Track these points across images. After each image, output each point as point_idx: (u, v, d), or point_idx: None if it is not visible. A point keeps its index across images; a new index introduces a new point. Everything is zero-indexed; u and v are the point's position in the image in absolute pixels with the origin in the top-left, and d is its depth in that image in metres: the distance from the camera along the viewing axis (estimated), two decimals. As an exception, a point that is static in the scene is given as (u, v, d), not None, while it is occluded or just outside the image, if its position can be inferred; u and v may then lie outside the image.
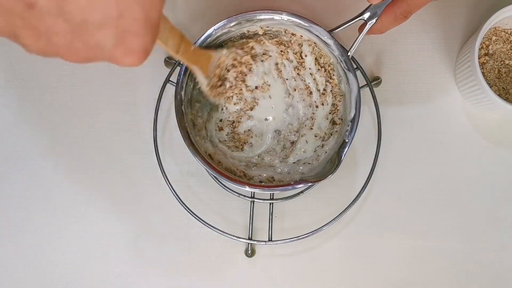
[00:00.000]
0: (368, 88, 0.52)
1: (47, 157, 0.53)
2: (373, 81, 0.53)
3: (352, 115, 0.45)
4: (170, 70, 0.52)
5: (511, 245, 0.53)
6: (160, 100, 0.52)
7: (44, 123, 0.53)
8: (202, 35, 0.45)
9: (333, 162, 0.44)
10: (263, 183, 0.47)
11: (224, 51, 0.46)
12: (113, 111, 0.54)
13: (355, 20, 0.45)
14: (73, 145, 0.53)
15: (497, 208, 0.53)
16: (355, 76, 0.45)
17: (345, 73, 0.46)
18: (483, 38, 0.52)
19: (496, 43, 0.52)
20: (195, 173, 0.53)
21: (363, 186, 0.51)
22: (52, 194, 0.53)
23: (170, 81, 0.52)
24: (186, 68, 0.45)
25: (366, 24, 0.45)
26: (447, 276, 0.52)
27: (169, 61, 0.53)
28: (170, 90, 0.52)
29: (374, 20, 0.44)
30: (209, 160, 0.45)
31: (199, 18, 0.55)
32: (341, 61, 0.46)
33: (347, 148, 0.45)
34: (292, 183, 0.44)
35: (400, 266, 0.52)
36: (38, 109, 0.54)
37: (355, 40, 0.45)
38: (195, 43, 0.45)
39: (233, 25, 0.46)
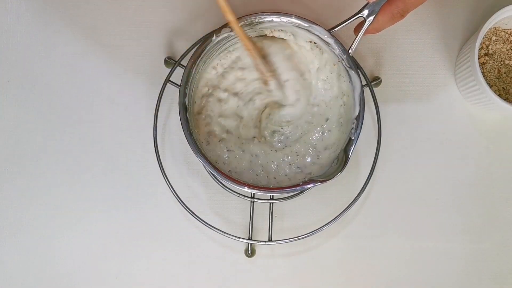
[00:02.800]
0: (368, 88, 0.52)
1: (47, 157, 0.53)
2: (373, 81, 0.53)
3: (356, 112, 0.45)
4: (170, 70, 0.52)
5: (511, 245, 0.53)
6: (160, 100, 0.52)
7: (44, 123, 0.53)
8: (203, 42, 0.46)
9: (340, 161, 0.44)
10: (272, 186, 0.46)
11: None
12: (113, 111, 0.54)
13: (354, 18, 0.45)
14: (73, 145, 0.53)
15: (497, 208, 0.53)
16: (358, 73, 0.45)
17: (347, 71, 0.46)
18: (483, 38, 0.52)
19: (496, 43, 0.52)
20: (195, 173, 0.53)
21: (363, 186, 0.51)
22: (52, 194, 0.53)
23: (170, 81, 0.52)
24: (189, 73, 0.45)
25: (365, 21, 0.45)
26: (447, 276, 0.52)
27: (169, 61, 0.53)
28: (170, 90, 0.52)
29: (372, 17, 0.44)
30: (216, 165, 0.44)
31: (198, 19, 0.55)
32: (343, 60, 0.46)
33: (353, 146, 0.45)
34: (300, 183, 0.44)
35: (400, 266, 0.52)
36: (38, 109, 0.54)
37: (355, 38, 0.45)
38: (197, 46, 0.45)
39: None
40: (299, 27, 0.46)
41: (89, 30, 0.54)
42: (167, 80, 0.52)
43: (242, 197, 0.52)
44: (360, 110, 0.45)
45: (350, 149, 0.44)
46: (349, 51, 0.46)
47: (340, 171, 0.43)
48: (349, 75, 0.46)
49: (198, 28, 0.54)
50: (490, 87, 0.49)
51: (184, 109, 0.45)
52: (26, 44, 0.54)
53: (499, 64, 0.52)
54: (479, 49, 0.51)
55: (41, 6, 0.55)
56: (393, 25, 0.45)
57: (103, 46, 0.54)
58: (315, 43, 0.48)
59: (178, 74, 0.52)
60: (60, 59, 0.54)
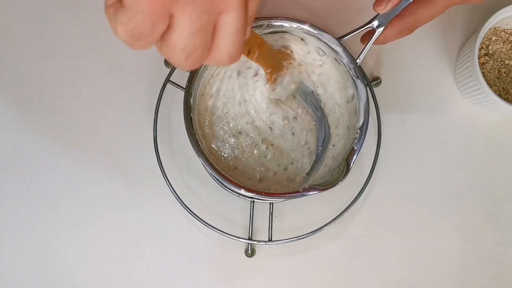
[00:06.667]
0: (368, 88, 0.52)
1: (47, 157, 0.53)
2: (373, 81, 0.53)
3: (361, 122, 0.45)
4: (170, 70, 0.52)
5: (511, 245, 0.53)
6: (160, 100, 0.52)
7: (44, 123, 0.53)
8: None
9: (342, 170, 0.44)
10: (272, 191, 0.46)
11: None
12: (113, 111, 0.54)
13: (364, 28, 0.45)
14: (73, 145, 0.53)
15: (497, 208, 0.53)
16: (364, 83, 0.45)
17: (353, 80, 0.46)
18: (483, 38, 0.52)
19: (496, 43, 0.52)
20: (195, 173, 0.53)
21: (363, 186, 0.51)
22: (52, 194, 0.53)
23: (170, 81, 0.52)
24: (194, 74, 0.45)
25: (375, 32, 0.45)
26: (447, 276, 0.52)
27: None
28: (170, 90, 0.53)
29: (382, 29, 0.44)
30: (217, 167, 0.44)
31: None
32: (350, 69, 0.46)
33: (356, 155, 0.44)
34: (300, 190, 0.44)
35: (400, 266, 0.52)
36: (38, 109, 0.54)
37: (363, 49, 0.45)
38: None
39: None
40: (308, 34, 0.46)
41: (89, 30, 0.54)
42: (167, 80, 0.52)
43: (242, 197, 0.52)
44: (364, 120, 0.45)
45: (352, 159, 0.44)
46: (357, 61, 0.45)
47: (341, 180, 0.43)
48: (355, 84, 0.46)
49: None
50: (490, 87, 0.49)
51: (188, 108, 0.44)
52: (26, 44, 0.54)
53: (499, 64, 0.52)
54: (479, 49, 0.51)
55: (41, 6, 0.55)
56: (400, 39, 0.45)
57: (103, 46, 0.54)
58: (323, 51, 0.47)
59: (178, 74, 0.52)
60: (60, 59, 0.54)
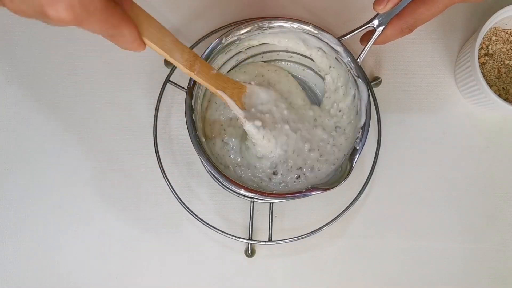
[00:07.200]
0: (368, 88, 0.52)
1: (47, 157, 0.53)
2: (373, 81, 0.53)
3: (362, 122, 0.45)
4: (170, 70, 0.52)
5: (511, 245, 0.53)
6: (160, 100, 0.52)
7: (44, 123, 0.53)
8: (210, 45, 0.45)
9: (344, 169, 0.44)
10: (274, 191, 0.46)
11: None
12: (113, 111, 0.54)
13: (364, 27, 0.45)
14: (73, 145, 0.53)
15: (497, 208, 0.53)
16: (365, 83, 0.45)
17: (354, 80, 0.46)
18: (483, 38, 0.52)
19: (496, 43, 0.52)
20: (195, 173, 0.53)
21: (363, 186, 0.51)
22: (52, 194, 0.53)
23: (170, 81, 0.52)
24: None
25: (375, 31, 0.45)
26: (446, 276, 0.52)
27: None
28: (170, 90, 0.53)
29: (382, 28, 0.44)
30: (221, 169, 0.44)
31: (198, 19, 0.55)
32: (351, 68, 0.46)
33: (358, 155, 0.44)
34: (303, 191, 0.44)
35: (400, 266, 0.52)
36: (38, 109, 0.54)
37: (364, 48, 0.45)
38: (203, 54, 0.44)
39: (243, 33, 0.45)
40: (309, 34, 0.46)
41: (89, 30, 0.54)
42: (167, 80, 0.52)
43: (242, 197, 0.52)
44: (366, 119, 0.45)
45: (355, 159, 0.44)
46: (358, 60, 0.45)
47: (344, 179, 0.43)
48: (356, 84, 0.46)
49: (198, 28, 0.54)
50: (490, 87, 0.49)
51: (190, 110, 0.44)
52: (26, 44, 0.54)
53: (499, 64, 0.52)
54: (479, 49, 0.52)
55: (41, 6, 0.55)
56: (400, 38, 0.45)
57: (103, 46, 0.54)
58: (324, 51, 0.47)
59: (178, 74, 0.52)
60: (60, 59, 0.54)
